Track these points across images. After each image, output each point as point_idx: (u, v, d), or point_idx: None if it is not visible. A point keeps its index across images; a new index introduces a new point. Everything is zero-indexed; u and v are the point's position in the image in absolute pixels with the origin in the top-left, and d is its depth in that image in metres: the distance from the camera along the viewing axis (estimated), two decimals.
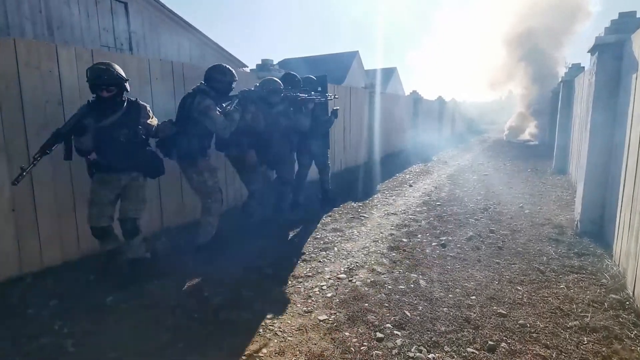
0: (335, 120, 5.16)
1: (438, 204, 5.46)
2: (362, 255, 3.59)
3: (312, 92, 4.56)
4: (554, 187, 6.45)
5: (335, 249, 3.78)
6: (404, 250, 3.72)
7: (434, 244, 3.90)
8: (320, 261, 3.48)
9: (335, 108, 5.18)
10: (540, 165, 9.15)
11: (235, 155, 3.90)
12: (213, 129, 3.28)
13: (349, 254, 3.64)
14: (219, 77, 3.40)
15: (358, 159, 8.94)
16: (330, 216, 4.89)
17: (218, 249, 3.49)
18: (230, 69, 3.51)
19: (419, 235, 4.16)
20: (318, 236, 4.14)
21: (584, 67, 7.69)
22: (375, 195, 6.08)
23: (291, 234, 4.22)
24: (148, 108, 2.97)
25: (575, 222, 4.10)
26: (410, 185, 6.87)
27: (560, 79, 8.92)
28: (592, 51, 3.91)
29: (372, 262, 3.43)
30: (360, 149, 9.02)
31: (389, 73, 26.40)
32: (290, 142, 4.45)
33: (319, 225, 4.53)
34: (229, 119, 3.31)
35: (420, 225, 4.51)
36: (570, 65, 8.12)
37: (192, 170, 3.32)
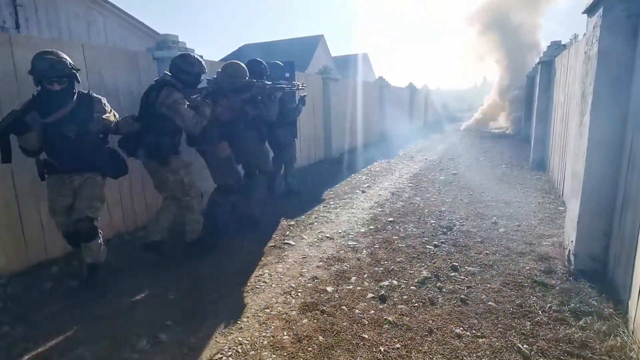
0: (303, 107, 5.06)
1: (390, 221, 4.24)
2: (254, 329, 2.33)
3: (281, 81, 4.37)
4: (533, 190, 5.35)
5: (215, 316, 2.50)
6: (323, 313, 2.47)
7: (369, 295, 2.67)
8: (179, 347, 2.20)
9: (303, 95, 5.04)
10: (516, 158, 8.11)
11: (206, 150, 3.64)
12: (182, 125, 3.02)
13: (229, 326, 2.37)
14: (186, 68, 3.10)
15: (310, 157, 7.66)
16: (243, 245, 3.60)
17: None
18: (199, 59, 3.21)
19: (353, 279, 2.92)
20: (209, 283, 2.85)
21: (564, 46, 6.60)
22: (317, 208, 4.82)
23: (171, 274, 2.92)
24: (104, 102, 2.71)
25: (567, 253, 2.95)
26: (363, 191, 5.64)
27: (537, 60, 7.82)
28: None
29: (262, 345, 2.17)
30: (313, 145, 7.73)
31: (358, 59, 25.01)
32: (260, 133, 4.17)
33: (223, 259, 3.24)
34: (199, 114, 3.07)
35: (358, 259, 3.28)
36: (549, 44, 7.01)
37: (165, 170, 3.07)
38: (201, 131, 3.19)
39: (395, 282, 2.84)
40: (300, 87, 4.71)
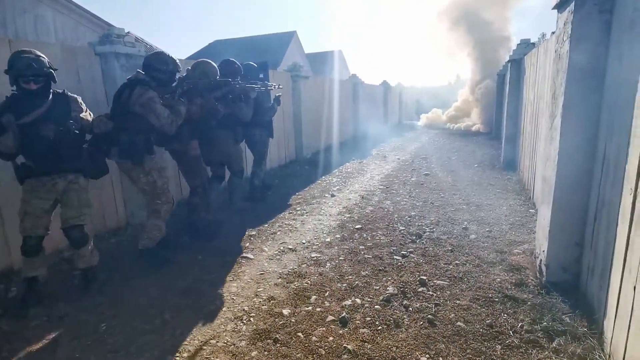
0: (278, 107, 5.01)
1: (358, 228, 4.01)
2: None
3: (255, 81, 4.34)
4: (504, 192, 5.26)
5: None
6: (275, 343, 2.19)
7: (329, 318, 2.41)
8: None
9: (278, 95, 4.98)
10: (487, 158, 8.09)
11: (177, 149, 3.55)
12: (158, 124, 2.95)
13: None
14: (160, 66, 3.08)
15: (281, 158, 7.35)
16: (197, 259, 3.28)
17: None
18: (174, 57, 3.19)
19: (313, 298, 2.66)
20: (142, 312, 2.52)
21: (534, 44, 6.57)
22: (282, 215, 4.53)
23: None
24: (80, 100, 2.68)
25: (538, 263, 2.79)
26: (333, 195, 5.40)
27: (507, 58, 7.80)
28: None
29: None
30: (283, 146, 7.43)
31: (332, 56, 24.75)
32: (235, 132, 4.17)
33: (169, 276, 2.90)
34: (174, 113, 3.02)
35: (321, 274, 3.02)
36: (518, 42, 6.97)
37: (138, 171, 3.00)
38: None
39: (358, 301, 2.60)
40: (276, 87, 4.67)
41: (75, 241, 2.66)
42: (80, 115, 2.63)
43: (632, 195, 1.68)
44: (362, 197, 5.23)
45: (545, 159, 2.81)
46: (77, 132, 2.57)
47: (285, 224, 4.22)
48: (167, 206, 3.16)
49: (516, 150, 6.57)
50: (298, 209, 4.77)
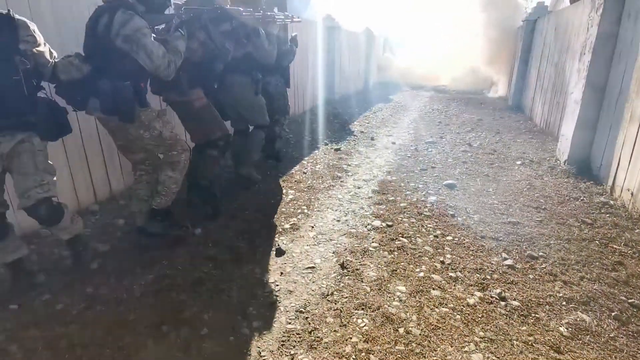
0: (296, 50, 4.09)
1: None
2: None
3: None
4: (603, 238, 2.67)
5: None
6: None
7: None
8: None
9: (294, 34, 4.15)
10: (526, 145, 5.42)
11: (175, 100, 2.87)
12: (150, 65, 2.18)
13: None
14: None
15: None
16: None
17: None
18: None
19: None
20: None
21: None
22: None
23: None
24: (33, 28, 1.95)
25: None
26: (279, 254, 2.62)
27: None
28: None
29: None
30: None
31: None
32: (255, 80, 3.37)
33: None
34: (171, 51, 2.29)
35: None
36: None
37: (136, 127, 2.30)
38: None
39: None
40: (294, 21, 3.73)
41: (46, 220, 2.08)
42: (34, 49, 1.93)
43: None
44: (338, 267, 2.46)
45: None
46: (29, 73, 1.91)
47: None
48: (185, 155, 2.53)
49: (600, 147, 3.95)
50: None
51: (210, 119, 2.99)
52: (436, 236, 2.85)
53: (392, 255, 2.58)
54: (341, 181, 4.01)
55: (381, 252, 2.63)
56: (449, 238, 2.82)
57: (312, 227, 2.98)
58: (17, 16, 1.90)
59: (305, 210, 3.28)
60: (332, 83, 9.01)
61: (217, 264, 2.46)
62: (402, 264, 2.48)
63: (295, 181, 3.98)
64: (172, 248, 2.58)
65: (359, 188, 3.82)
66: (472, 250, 2.66)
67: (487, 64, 11.66)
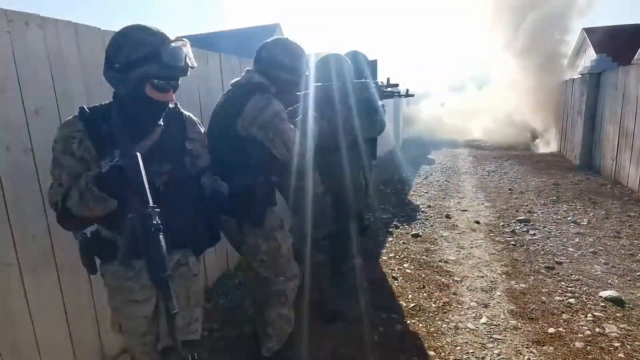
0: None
1: None
2: None
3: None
4: None
5: None
6: None
7: None
8: None
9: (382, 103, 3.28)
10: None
11: (287, 184, 2.27)
12: (285, 155, 1.80)
13: None
14: (286, 61, 1.85)
15: None
16: None
17: None
18: (301, 46, 1.94)
19: None
20: None
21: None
22: None
23: None
24: (197, 122, 1.59)
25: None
26: None
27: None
28: None
29: None
30: None
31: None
32: (361, 154, 2.84)
33: None
34: (304, 136, 1.86)
35: None
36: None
37: (258, 233, 1.84)
38: None
39: None
40: (408, 95, 3.72)
41: None
42: (198, 148, 1.54)
43: None
44: None
45: None
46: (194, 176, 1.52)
47: None
48: (293, 283, 1.98)
49: None
50: None
51: (325, 210, 2.65)
52: None
53: None
54: (453, 294, 2.93)
55: None
56: None
57: None
58: (183, 110, 1.54)
59: None
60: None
61: None
62: None
63: (390, 295, 2.90)
64: None
65: (485, 307, 2.72)
66: None
67: (529, 114, 10.91)
